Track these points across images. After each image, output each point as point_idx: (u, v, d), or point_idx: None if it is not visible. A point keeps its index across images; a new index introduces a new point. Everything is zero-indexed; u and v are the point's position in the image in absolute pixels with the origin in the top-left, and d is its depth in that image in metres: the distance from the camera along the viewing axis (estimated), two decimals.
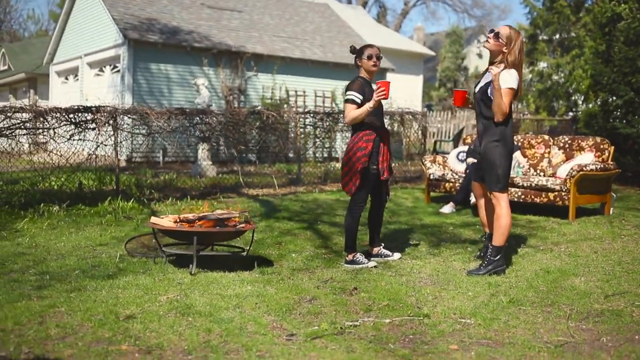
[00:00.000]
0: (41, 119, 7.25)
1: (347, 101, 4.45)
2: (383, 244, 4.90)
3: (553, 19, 13.77)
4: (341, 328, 3.16)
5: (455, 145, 13.22)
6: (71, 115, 7.41)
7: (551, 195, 6.47)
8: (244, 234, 4.50)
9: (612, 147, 6.87)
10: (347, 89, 4.49)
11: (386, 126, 6.26)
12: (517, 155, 7.23)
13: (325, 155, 13.72)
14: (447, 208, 7.09)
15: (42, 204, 6.53)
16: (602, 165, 6.47)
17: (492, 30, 4.31)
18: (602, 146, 6.80)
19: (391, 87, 4.45)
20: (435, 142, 14.04)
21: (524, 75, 5.75)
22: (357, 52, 4.61)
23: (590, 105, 12.10)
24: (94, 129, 7.57)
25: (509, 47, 4.21)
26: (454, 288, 3.93)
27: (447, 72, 27.23)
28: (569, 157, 6.99)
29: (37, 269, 4.12)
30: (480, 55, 34.56)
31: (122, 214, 6.44)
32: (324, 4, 20.83)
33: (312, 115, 10.00)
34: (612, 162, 6.71)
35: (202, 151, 10.58)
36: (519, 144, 7.46)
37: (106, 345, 2.77)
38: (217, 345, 2.84)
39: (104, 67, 15.42)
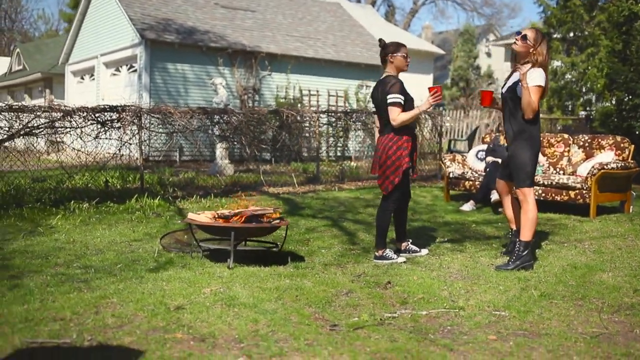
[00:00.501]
0: (68, 118, 7.42)
1: (392, 104, 4.47)
2: (410, 240, 5.01)
3: (567, 18, 13.82)
4: (381, 319, 3.28)
5: (470, 145, 13.31)
6: (97, 115, 7.57)
7: (572, 193, 6.56)
8: (277, 229, 4.64)
9: (632, 146, 6.95)
10: (390, 91, 4.48)
11: None
12: None
13: (339, 154, 13.85)
14: (468, 206, 7.20)
15: (72, 202, 6.68)
16: (622, 164, 6.56)
17: (519, 32, 4.43)
18: (622, 145, 6.89)
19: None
20: (449, 141, 14.13)
21: None
22: (391, 48, 4.64)
23: (605, 104, 12.15)
24: (119, 128, 7.73)
25: (535, 48, 4.33)
26: (484, 282, 4.04)
27: (460, 71, 27.30)
28: (589, 156, 7.09)
29: (81, 263, 4.26)
30: (489, 54, 34.56)
31: (151, 211, 6.58)
32: (335, 3, 20.95)
33: (330, 114, 10.12)
34: (632, 161, 6.80)
35: (220, 150, 10.73)
36: None
37: (162, 333, 2.90)
38: (266, 334, 2.97)
39: (121, 66, 15.60)
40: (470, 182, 7.58)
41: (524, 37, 4.37)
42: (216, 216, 4.34)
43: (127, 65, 15.24)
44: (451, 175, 7.81)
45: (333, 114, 10.39)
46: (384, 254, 4.65)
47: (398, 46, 4.62)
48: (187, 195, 7.78)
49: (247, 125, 9.01)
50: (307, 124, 10.24)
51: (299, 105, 15.27)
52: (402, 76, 4.67)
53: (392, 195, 4.60)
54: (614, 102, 10.99)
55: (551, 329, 3.16)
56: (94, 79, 16.84)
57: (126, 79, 15.18)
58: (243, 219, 4.31)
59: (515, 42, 4.44)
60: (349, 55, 16.85)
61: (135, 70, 14.50)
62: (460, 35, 29.12)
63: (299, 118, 9.61)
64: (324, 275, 4.15)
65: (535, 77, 4.28)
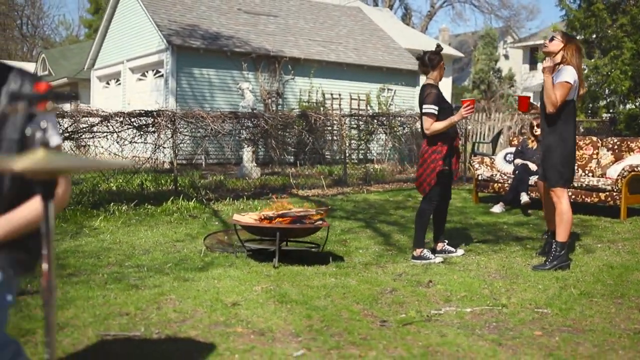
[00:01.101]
0: (106, 122, 7.65)
1: (425, 114, 4.68)
2: (447, 240, 5.13)
3: (590, 22, 13.82)
4: (427, 316, 3.41)
5: (494, 147, 13.36)
6: (133, 120, 7.79)
7: (602, 195, 6.63)
8: (318, 230, 4.78)
9: None
10: (425, 101, 4.69)
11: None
12: None
13: (361, 157, 13.97)
14: (498, 208, 7.29)
15: (111, 204, 6.89)
16: None
17: (546, 38, 4.59)
18: None
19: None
20: (473, 144, 14.20)
21: None
22: (441, 56, 4.84)
23: (630, 107, 12.12)
24: (154, 132, 7.95)
25: (565, 45, 4.45)
26: (523, 281, 4.15)
27: (481, 74, 27.31)
28: (618, 158, 7.15)
29: (132, 262, 4.45)
30: (506, 57, 34.45)
31: (187, 213, 6.77)
32: (356, 8, 21.11)
33: (357, 118, 10.26)
34: None
35: (247, 153, 10.92)
36: None
37: (223, 327, 3.06)
38: (321, 329, 3.11)
39: (147, 72, 15.88)
40: (499, 184, 7.67)
41: (552, 38, 4.51)
42: (262, 217, 4.49)
43: (153, 71, 15.51)
44: (480, 178, 7.90)
45: (359, 117, 10.53)
46: (422, 253, 4.78)
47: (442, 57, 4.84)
48: (220, 198, 7.96)
49: (275, 129, 9.18)
50: (334, 127, 10.38)
51: (322, 108, 15.42)
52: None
53: (429, 196, 4.76)
54: (638, 104, 10.99)
55: (594, 326, 3.27)
56: (119, 84, 17.16)
57: (152, 84, 15.45)
58: (288, 220, 4.46)
59: (545, 45, 4.56)
60: (370, 59, 16.98)
61: (162, 76, 14.77)
62: (481, 39, 29.11)
63: (326, 121, 9.76)
64: (367, 274, 4.29)
65: (564, 74, 4.38)
